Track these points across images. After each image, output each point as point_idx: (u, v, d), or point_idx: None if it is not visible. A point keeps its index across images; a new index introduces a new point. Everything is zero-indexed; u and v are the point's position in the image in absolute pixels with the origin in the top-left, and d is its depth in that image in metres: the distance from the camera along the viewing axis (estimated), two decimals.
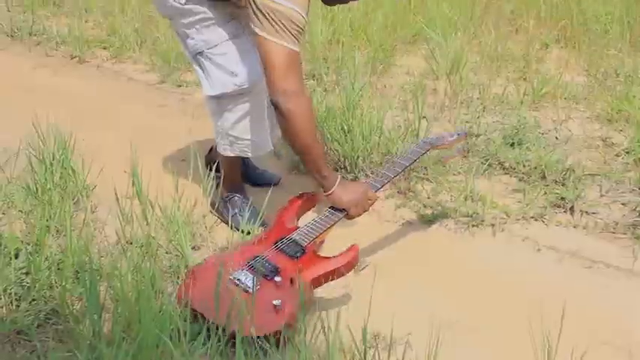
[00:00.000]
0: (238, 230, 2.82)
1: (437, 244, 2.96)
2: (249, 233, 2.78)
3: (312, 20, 4.79)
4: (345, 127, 3.41)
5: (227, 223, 3.01)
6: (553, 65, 4.93)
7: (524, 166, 3.45)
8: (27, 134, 3.16)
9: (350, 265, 2.43)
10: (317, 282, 2.39)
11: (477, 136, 3.75)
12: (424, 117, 3.63)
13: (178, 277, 2.51)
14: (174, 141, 3.69)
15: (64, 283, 2.34)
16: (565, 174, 3.36)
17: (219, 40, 2.77)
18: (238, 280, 2.29)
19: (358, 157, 3.37)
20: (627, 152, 3.63)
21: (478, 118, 3.94)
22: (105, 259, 2.61)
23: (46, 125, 3.16)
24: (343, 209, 2.58)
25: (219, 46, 2.78)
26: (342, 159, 3.41)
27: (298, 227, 2.57)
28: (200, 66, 2.85)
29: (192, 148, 3.00)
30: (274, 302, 2.21)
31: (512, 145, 3.68)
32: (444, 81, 4.47)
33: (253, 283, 2.27)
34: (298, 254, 2.43)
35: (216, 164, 3.05)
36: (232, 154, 2.93)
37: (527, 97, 4.30)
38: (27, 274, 2.45)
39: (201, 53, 2.81)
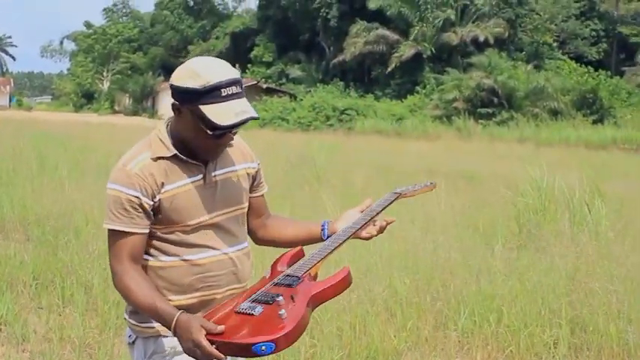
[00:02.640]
0: None
1: None
2: None
3: None
4: None
5: None
6: None
7: None
8: None
9: (343, 283, 2.57)
10: (315, 299, 2.51)
11: None
12: None
13: None
14: None
15: None
16: None
17: None
18: (242, 309, 2.46)
19: None
20: None
21: None
22: None
23: None
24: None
25: None
26: None
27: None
28: None
29: None
30: (279, 312, 2.39)
31: None
32: None
33: (257, 308, 2.45)
34: (295, 283, 2.56)
35: None
36: None
37: None
38: None
39: None
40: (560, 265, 7.00)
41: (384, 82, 55.36)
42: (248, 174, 2.85)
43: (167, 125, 2.71)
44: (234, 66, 2.64)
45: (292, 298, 2.47)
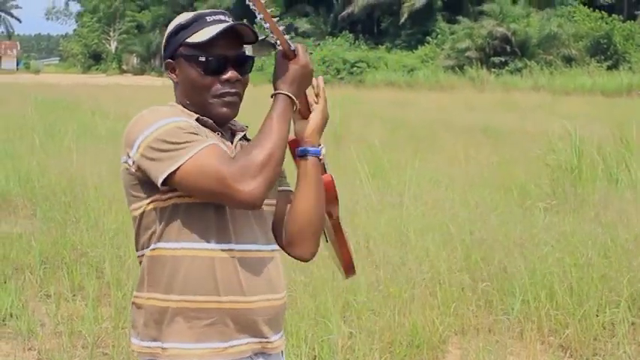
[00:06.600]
0: None
1: None
2: None
3: None
4: None
5: None
6: None
7: None
8: None
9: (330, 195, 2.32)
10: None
11: None
12: None
13: None
14: None
15: None
16: None
17: None
18: None
19: None
20: None
21: None
22: None
23: None
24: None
25: None
26: None
27: None
28: None
29: None
30: None
31: None
32: None
33: None
34: None
35: None
36: None
37: None
38: None
39: None
40: (609, 232, 6.45)
41: (394, 33, 54.44)
42: None
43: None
44: (241, 20, 2.18)
45: None
